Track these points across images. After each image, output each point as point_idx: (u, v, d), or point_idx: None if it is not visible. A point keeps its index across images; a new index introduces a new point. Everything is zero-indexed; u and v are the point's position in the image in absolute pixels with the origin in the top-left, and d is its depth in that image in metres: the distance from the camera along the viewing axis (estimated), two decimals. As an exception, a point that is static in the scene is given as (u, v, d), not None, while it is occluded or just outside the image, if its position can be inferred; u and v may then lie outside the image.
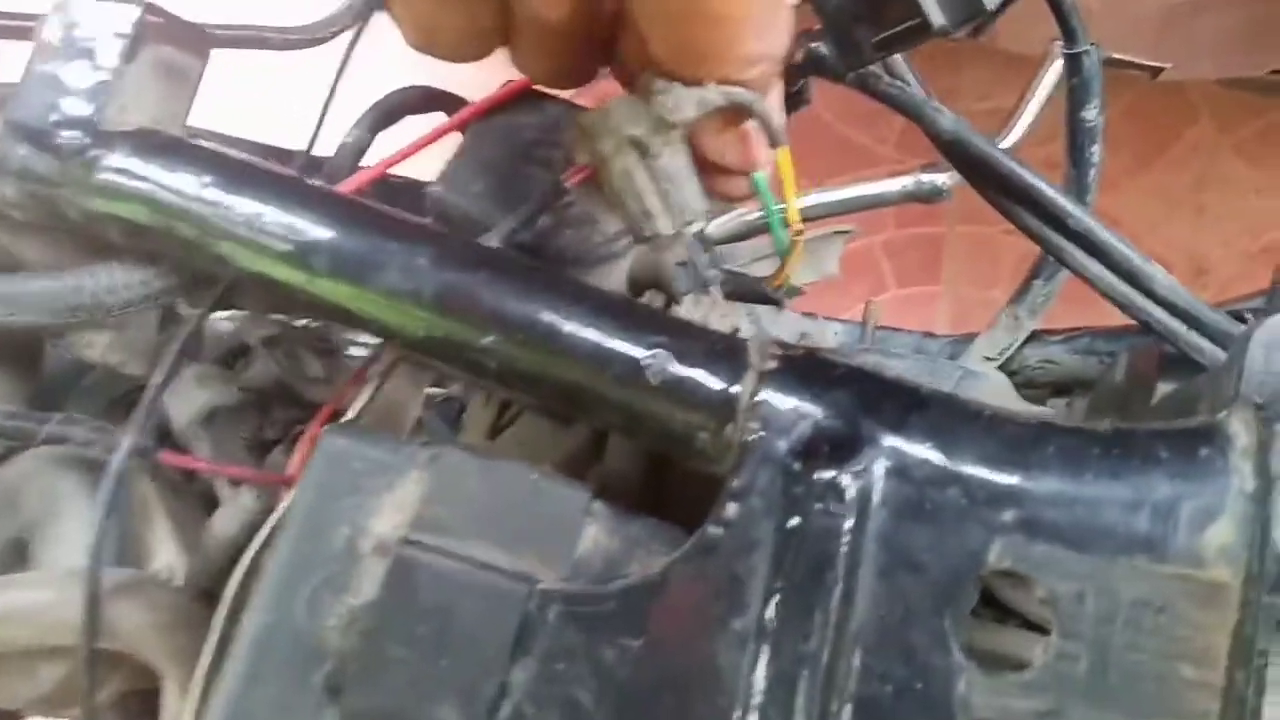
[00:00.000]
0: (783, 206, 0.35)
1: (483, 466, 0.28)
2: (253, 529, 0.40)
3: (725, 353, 0.28)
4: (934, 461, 0.26)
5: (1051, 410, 0.36)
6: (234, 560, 0.39)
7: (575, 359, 0.29)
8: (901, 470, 0.26)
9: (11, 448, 0.39)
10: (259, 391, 0.44)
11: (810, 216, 0.76)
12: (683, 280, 0.32)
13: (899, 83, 0.41)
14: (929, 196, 0.73)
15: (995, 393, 0.64)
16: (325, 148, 0.44)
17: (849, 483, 0.26)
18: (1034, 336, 0.66)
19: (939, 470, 0.26)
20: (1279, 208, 1.46)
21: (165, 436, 0.40)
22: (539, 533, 0.28)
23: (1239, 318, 0.71)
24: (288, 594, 0.27)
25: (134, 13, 0.34)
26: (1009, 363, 0.66)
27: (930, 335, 0.74)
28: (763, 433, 0.27)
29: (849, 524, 0.26)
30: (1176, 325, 0.42)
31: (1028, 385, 0.66)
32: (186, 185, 0.32)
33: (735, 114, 0.31)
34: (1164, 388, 0.48)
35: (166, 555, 0.39)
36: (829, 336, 0.74)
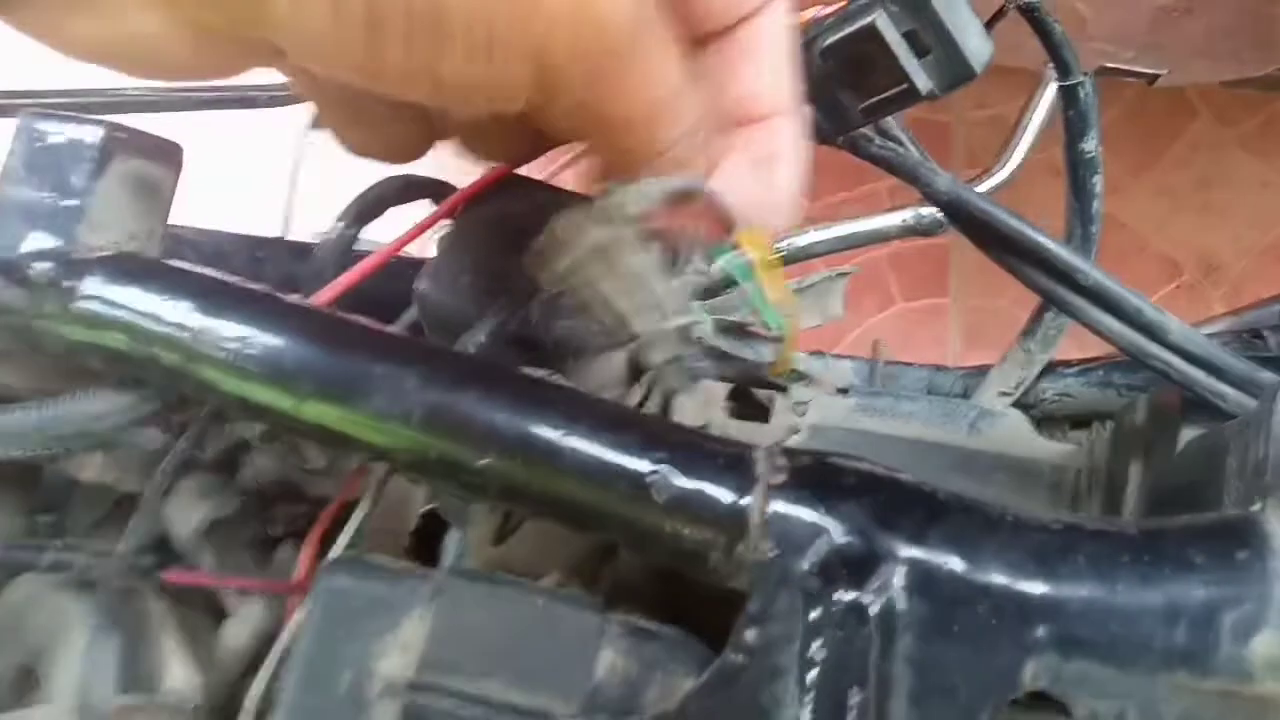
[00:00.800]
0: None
1: (488, 596, 0.27)
2: (264, 638, 0.39)
3: (732, 464, 0.27)
4: (959, 574, 0.25)
5: (1081, 516, 0.34)
6: (247, 673, 0.38)
7: (576, 477, 0.28)
8: (925, 586, 0.25)
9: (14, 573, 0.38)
10: (260, 490, 0.43)
11: (809, 255, 0.75)
12: (672, 377, 0.30)
13: (891, 144, 0.40)
14: (929, 230, 0.72)
15: (1013, 431, 0.63)
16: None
17: (871, 602, 0.25)
18: (1049, 369, 0.65)
19: (965, 584, 0.25)
20: (1286, 201, 1.44)
21: (168, 551, 0.39)
22: (553, 663, 0.27)
23: (1257, 334, 0.70)
24: (292, 747, 0.26)
25: (99, 130, 0.33)
26: (1025, 397, 0.65)
27: (941, 368, 0.73)
28: (777, 552, 0.26)
29: (875, 648, 0.24)
30: (1195, 373, 0.41)
31: (1045, 419, 0.65)
32: (165, 311, 0.31)
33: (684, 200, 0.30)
34: (1188, 431, 0.47)
35: (179, 673, 0.38)
36: (838, 376, 0.73)
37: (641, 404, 0.44)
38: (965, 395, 0.68)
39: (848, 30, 0.36)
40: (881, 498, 0.26)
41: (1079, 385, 0.63)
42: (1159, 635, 0.24)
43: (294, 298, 0.33)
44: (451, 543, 0.41)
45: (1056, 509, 0.59)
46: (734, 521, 0.26)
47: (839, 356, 0.73)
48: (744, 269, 0.31)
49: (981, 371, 0.69)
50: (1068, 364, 0.65)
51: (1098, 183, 0.58)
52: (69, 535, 0.41)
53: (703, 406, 0.42)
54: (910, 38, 0.36)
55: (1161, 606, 0.24)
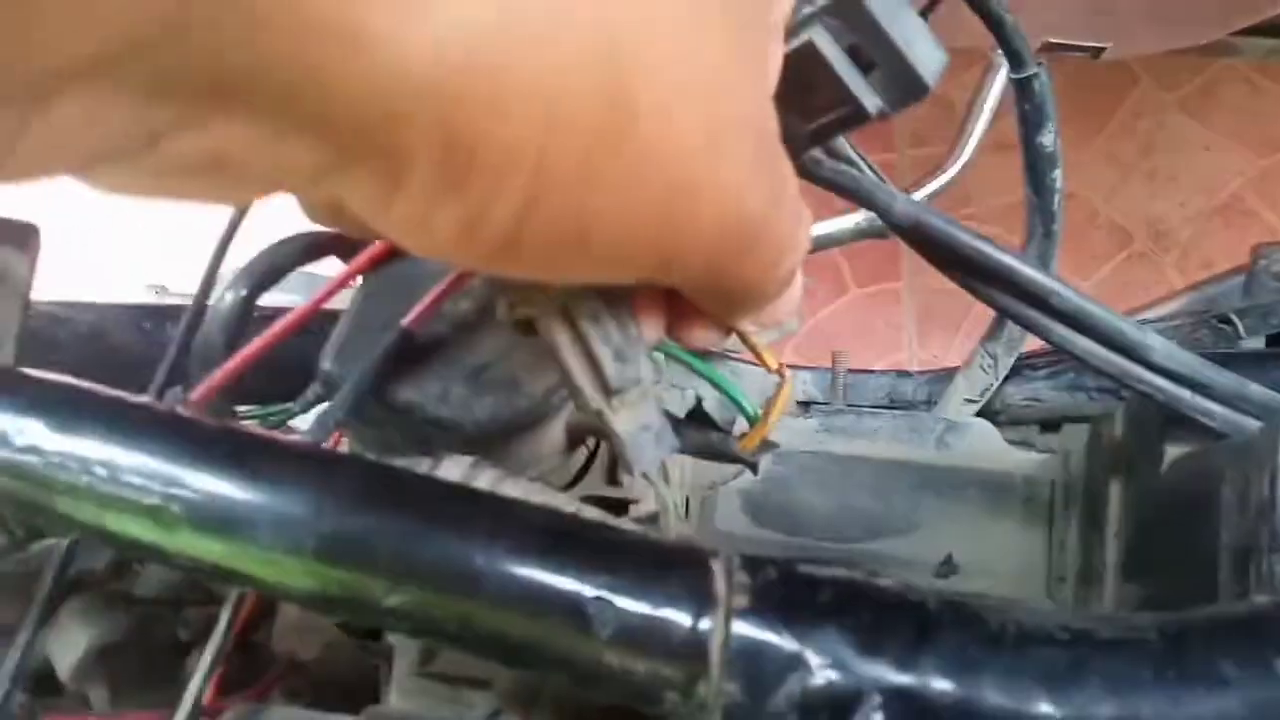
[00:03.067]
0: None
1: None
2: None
3: (687, 579, 0.23)
4: (956, 704, 0.21)
5: (1096, 616, 0.31)
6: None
7: (504, 609, 0.23)
8: (917, 718, 0.21)
9: None
10: (163, 597, 0.39)
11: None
12: (632, 451, 0.26)
13: (844, 166, 0.36)
14: (881, 233, 0.68)
15: (982, 443, 0.60)
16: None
17: (856, 747, 0.21)
18: (1015, 371, 0.62)
19: (961, 714, 0.21)
20: (1231, 162, 1.44)
21: (49, 687, 0.34)
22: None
23: (1224, 320, 0.67)
24: None
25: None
26: (991, 403, 0.62)
27: (903, 374, 0.70)
28: (742, 693, 0.22)
29: (863, 804, 0.21)
30: (1181, 392, 0.38)
31: (1013, 424, 0.62)
32: (10, 431, 0.26)
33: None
34: (1172, 449, 0.44)
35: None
36: (798, 388, 0.69)
37: (585, 469, 0.40)
38: (930, 403, 0.65)
39: (786, 48, 0.32)
40: (863, 615, 0.22)
41: (1047, 389, 0.60)
42: (1193, 768, 0.20)
43: (170, 401, 0.28)
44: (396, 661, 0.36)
45: (1031, 527, 0.56)
46: (692, 654, 0.22)
47: (797, 368, 0.69)
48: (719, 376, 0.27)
49: (945, 375, 0.66)
50: (1034, 363, 0.62)
51: (1058, 177, 0.55)
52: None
53: (653, 480, 0.38)
54: (854, 52, 0.32)
55: (1193, 732, 0.20)
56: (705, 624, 0.22)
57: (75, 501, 0.26)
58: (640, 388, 0.26)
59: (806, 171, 0.37)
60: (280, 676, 0.38)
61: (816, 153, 0.37)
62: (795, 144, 0.34)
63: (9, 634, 0.35)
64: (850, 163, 0.36)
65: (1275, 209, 1.42)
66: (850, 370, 0.68)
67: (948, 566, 0.56)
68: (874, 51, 0.32)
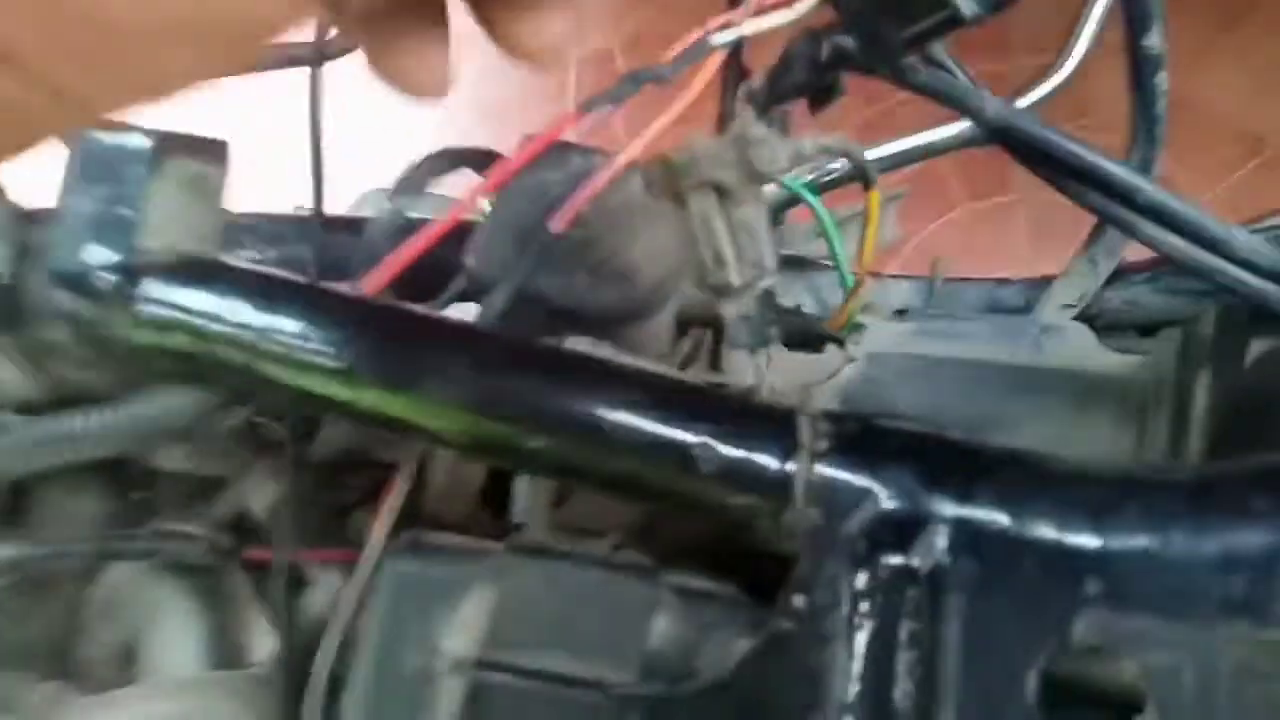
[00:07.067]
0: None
1: (545, 571, 0.28)
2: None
3: (776, 432, 0.27)
4: (1007, 532, 0.25)
5: (1137, 464, 0.33)
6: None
7: (624, 453, 0.28)
8: (973, 544, 0.25)
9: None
10: (332, 462, 0.45)
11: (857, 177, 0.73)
12: (742, 335, 0.31)
13: (939, 71, 0.38)
14: (984, 142, 0.69)
15: (1077, 346, 0.61)
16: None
17: (920, 564, 0.25)
18: (1115, 275, 0.63)
19: (1013, 541, 0.25)
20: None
21: (249, 529, 0.41)
22: (610, 633, 0.28)
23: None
24: None
25: (148, 137, 0.34)
26: (1089, 307, 0.63)
27: (1003, 282, 0.71)
28: (822, 518, 0.26)
29: (923, 610, 0.25)
30: (1266, 285, 0.39)
31: (1111, 328, 0.63)
32: (224, 311, 0.32)
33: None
34: (1258, 345, 0.45)
35: (267, 644, 0.41)
36: (897, 297, 0.72)
37: (691, 358, 0.44)
38: (1028, 309, 0.67)
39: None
40: (927, 458, 0.26)
41: (1146, 293, 0.61)
42: (1216, 586, 0.23)
43: (345, 287, 0.34)
44: (519, 491, 0.42)
45: (1123, 426, 0.58)
46: (779, 489, 0.27)
47: (896, 277, 0.72)
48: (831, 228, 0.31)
49: (1045, 283, 0.67)
50: (1134, 270, 0.63)
51: (1162, 80, 0.55)
52: (159, 518, 0.43)
53: (753, 361, 0.42)
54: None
55: (1218, 556, 0.24)
56: (791, 463, 0.27)
57: (278, 367, 0.32)
58: (755, 276, 0.30)
59: (904, 77, 0.40)
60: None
61: (913, 59, 0.39)
62: (892, 49, 0.37)
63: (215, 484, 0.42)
64: (945, 69, 0.39)
65: None
66: (949, 280, 0.70)
67: (1038, 463, 0.59)
68: (969, -47, 0.34)
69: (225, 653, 0.39)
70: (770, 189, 0.58)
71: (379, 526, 0.35)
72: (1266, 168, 1.37)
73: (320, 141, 0.39)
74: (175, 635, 0.38)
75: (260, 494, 0.41)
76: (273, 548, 0.40)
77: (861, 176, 0.30)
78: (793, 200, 0.56)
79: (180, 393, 0.34)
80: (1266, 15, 1.40)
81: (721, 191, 0.29)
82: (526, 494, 0.41)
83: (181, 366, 0.33)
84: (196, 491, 0.42)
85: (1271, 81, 1.38)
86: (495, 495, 0.44)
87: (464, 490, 0.44)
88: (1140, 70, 0.55)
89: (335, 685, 0.30)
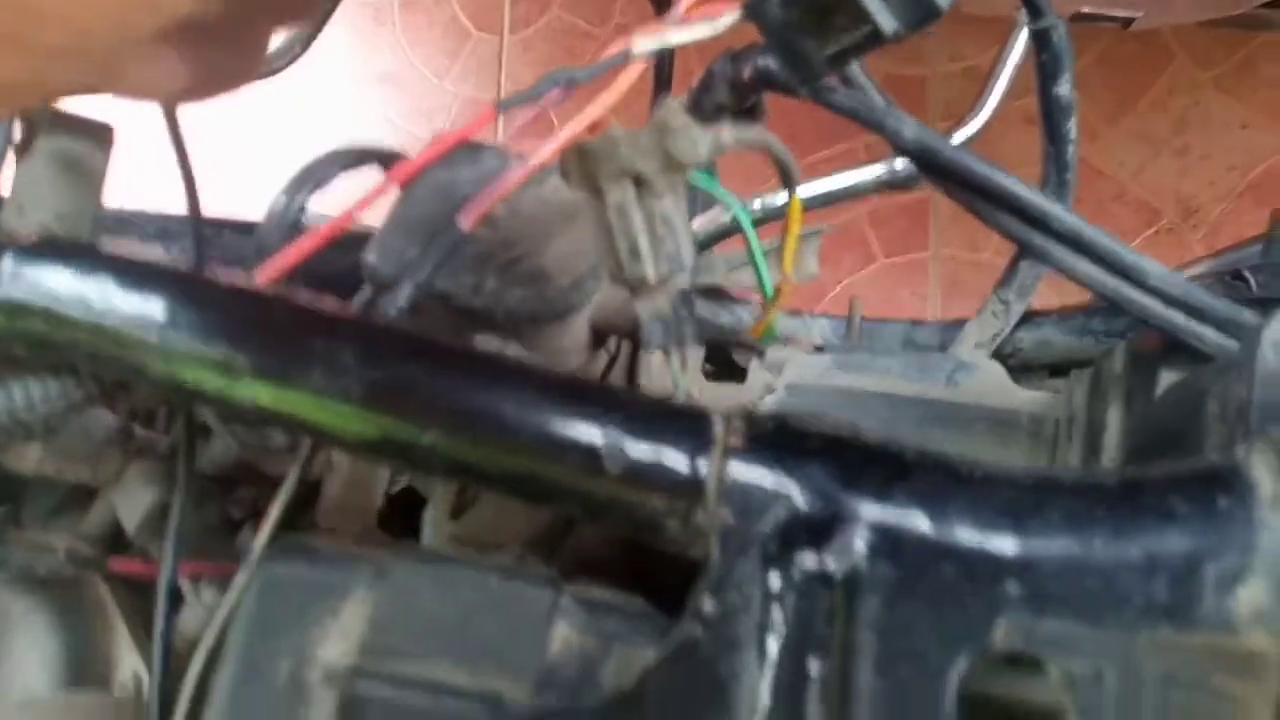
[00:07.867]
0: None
1: (435, 576, 0.26)
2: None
3: (688, 429, 0.26)
4: (925, 534, 0.24)
5: (1057, 469, 0.33)
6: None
7: (526, 451, 0.26)
8: (890, 547, 0.24)
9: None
10: (221, 473, 0.42)
11: (783, 215, 0.73)
12: (657, 335, 0.29)
13: (857, 93, 0.38)
14: (904, 183, 0.70)
15: (991, 382, 0.62)
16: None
17: (834, 567, 0.24)
18: (1026, 318, 0.64)
19: (931, 544, 0.24)
20: (1266, 142, 1.43)
21: (119, 540, 0.38)
22: (503, 642, 0.25)
23: (1238, 275, 0.69)
24: (235, 740, 0.24)
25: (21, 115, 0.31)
26: (1002, 347, 0.64)
27: (918, 323, 0.72)
28: (734, 519, 0.24)
29: (838, 614, 0.23)
30: (1175, 315, 0.40)
31: (1023, 368, 0.64)
32: (89, 294, 0.29)
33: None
34: (1169, 375, 0.46)
35: (130, 664, 0.37)
36: (815, 334, 0.72)
37: (608, 370, 0.43)
38: (943, 348, 0.67)
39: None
40: (844, 458, 0.25)
41: (1057, 333, 0.62)
42: (1138, 590, 0.23)
43: (226, 275, 0.31)
44: (429, 515, 0.39)
45: (1036, 459, 0.58)
46: (690, 488, 0.25)
47: (816, 315, 0.72)
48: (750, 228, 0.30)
49: (959, 324, 0.68)
50: (1045, 313, 0.64)
51: (1072, 127, 0.57)
52: (24, 528, 0.40)
53: (670, 370, 0.41)
54: (870, -27, 0.34)
55: (1140, 560, 0.23)
56: (702, 462, 0.25)
57: (146, 356, 0.29)
58: (672, 271, 0.29)
59: (823, 98, 0.40)
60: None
61: (832, 81, 0.39)
62: (814, 68, 0.37)
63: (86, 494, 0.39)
64: (863, 90, 0.38)
65: (1311, 188, 1.41)
66: (866, 319, 0.71)
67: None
68: (890, -29, 0.34)
69: (85, 672, 0.35)
70: (706, 221, 0.58)
71: (261, 534, 0.32)
72: (1162, 235, 1.44)
73: (183, 141, 0.37)
74: (27, 653, 0.34)
75: (132, 502, 0.37)
76: (144, 561, 0.37)
77: (784, 174, 0.30)
78: (730, 231, 0.56)
79: (33, 383, 0.31)
80: (1157, 96, 1.48)
81: (640, 182, 0.28)
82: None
83: (38, 354, 0.30)
84: (68, 501, 0.38)
85: (1162, 156, 1.46)
86: (404, 525, 0.42)
87: (361, 504, 0.41)
88: (1051, 117, 0.56)
89: (201, 700, 0.27)
